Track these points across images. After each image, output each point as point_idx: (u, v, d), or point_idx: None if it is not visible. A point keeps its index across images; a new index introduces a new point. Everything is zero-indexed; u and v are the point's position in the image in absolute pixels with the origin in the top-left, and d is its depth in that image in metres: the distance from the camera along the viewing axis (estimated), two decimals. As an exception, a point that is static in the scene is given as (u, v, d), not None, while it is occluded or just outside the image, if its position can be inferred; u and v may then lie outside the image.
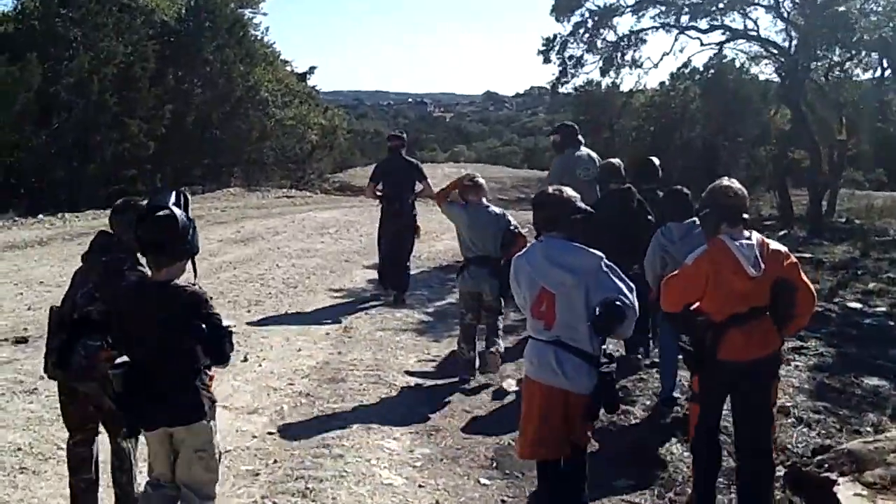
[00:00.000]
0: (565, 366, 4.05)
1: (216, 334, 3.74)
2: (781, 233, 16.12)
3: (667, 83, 36.71)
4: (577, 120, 39.02)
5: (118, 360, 3.76)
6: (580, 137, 9.04)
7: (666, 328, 6.27)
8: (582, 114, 38.07)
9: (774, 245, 4.36)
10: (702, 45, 18.06)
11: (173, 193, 3.86)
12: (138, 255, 4.17)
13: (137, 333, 3.76)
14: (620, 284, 4.02)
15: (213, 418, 3.90)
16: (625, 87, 33.51)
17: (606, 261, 4.08)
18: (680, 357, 5.81)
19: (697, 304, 4.41)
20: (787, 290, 4.31)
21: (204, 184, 23.08)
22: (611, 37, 17.48)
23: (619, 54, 17.47)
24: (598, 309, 3.97)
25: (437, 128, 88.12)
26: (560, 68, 17.40)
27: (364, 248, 14.02)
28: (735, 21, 17.61)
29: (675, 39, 17.80)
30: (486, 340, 7.14)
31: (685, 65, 33.75)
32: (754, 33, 17.74)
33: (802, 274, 4.41)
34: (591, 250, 4.11)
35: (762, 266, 4.22)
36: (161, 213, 3.74)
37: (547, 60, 17.37)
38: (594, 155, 8.90)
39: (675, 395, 6.47)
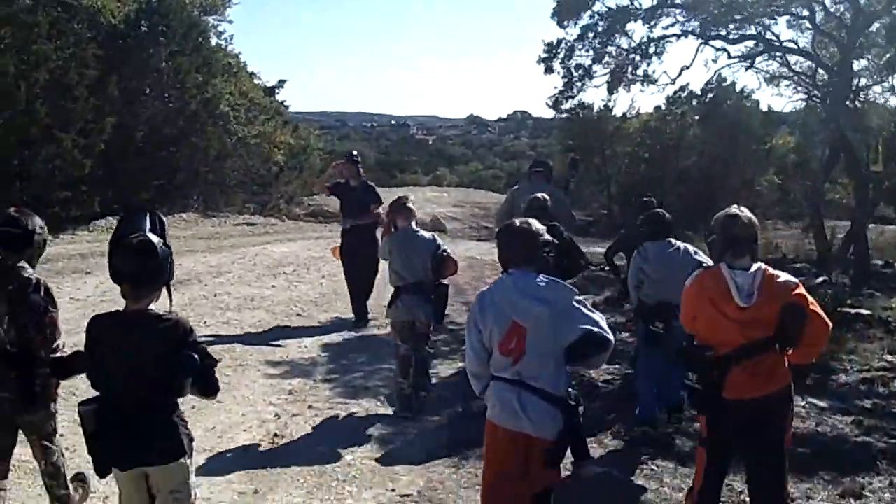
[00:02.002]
0: (528, 409, 3.85)
1: (206, 365, 3.58)
2: (820, 279, 13.73)
3: (662, 107, 35.45)
4: (565, 145, 37.74)
5: (88, 397, 3.61)
6: (545, 174, 9.23)
7: (646, 350, 6.69)
8: (571, 138, 36.50)
9: (783, 277, 4.23)
10: (729, 57, 15.41)
11: (147, 217, 3.72)
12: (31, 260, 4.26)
13: (117, 367, 3.53)
14: (595, 317, 3.92)
15: (190, 456, 3.69)
16: (633, 108, 31.86)
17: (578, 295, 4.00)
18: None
19: (697, 334, 4.33)
20: (797, 313, 4.11)
21: (153, 208, 20.23)
22: (625, 44, 14.80)
23: (629, 67, 14.81)
24: (573, 340, 3.83)
25: (419, 151, 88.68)
26: (565, 80, 14.68)
27: (323, 295, 11.47)
28: (767, 32, 15.11)
29: (698, 51, 15.18)
30: (415, 383, 6.95)
31: (682, 88, 31.91)
32: (792, 45, 15.19)
33: (814, 305, 4.21)
34: (564, 284, 4.05)
35: (755, 297, 4.11)
36: (138, 241, 3.55)
37: (549, 70, 14.58)
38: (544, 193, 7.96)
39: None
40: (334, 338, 9.44)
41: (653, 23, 14.73)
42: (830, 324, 4.26)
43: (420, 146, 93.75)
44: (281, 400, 7.14)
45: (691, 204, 28.12)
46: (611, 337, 3.89)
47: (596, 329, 3.84)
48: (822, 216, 17.03)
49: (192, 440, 3.71)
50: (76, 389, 4.00)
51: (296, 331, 9.59)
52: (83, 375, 3.77)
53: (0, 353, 4.11)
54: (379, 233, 9.54)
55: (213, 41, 23.55)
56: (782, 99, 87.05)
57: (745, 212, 4.33)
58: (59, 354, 4.17)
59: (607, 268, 10.04)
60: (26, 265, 4.23)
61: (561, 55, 14.34)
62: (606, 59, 14.70)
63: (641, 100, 72.28)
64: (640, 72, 15.06)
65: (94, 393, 3.62)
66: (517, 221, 4.20)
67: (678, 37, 14.67)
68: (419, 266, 6.91)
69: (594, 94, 70.70)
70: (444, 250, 7.04)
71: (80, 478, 4.73)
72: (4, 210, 4.40)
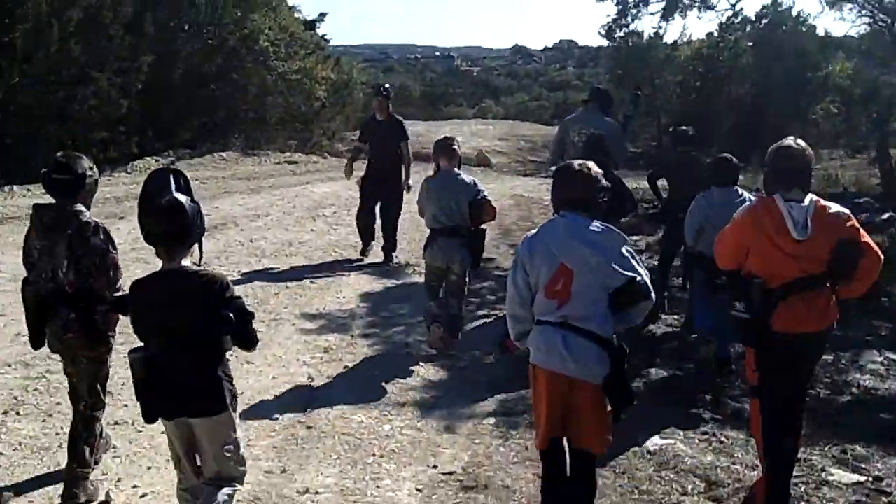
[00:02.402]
0: (574, 350, 3.76)
1: (243, 319, 3.64)
2: (885, 215, 12.93)
3: (715, 34, 34.26)
4: (614, 75, 36.78)
5: (138, 345, 3.68)
6: (602, 104, 8.57)
7: (707, 300, 6.55)
8: (620, 68, 35.52)
9: (835, 208, 4.15)
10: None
11: (171, 177, 3.77)
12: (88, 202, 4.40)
13: (160, 324, 3.63)
14: (641, 269, 3.86)
15: (234, 410, 3.78)
16: (684, 35, 30.92)
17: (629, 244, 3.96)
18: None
19: (750, 267, 4.21)
20: (850, 250, 4.05)
21: (194, 147, 19.88)
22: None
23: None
24: (618, 286, 3.78)
25: (464, 82, 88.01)
26: (619, 7, 13.75)
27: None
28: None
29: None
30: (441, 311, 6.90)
31: (735, 14, 30.61)
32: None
33: (867, 237, 4.17)
34: (616, 230, 3.96)
35: (810, 230, 4.02)
36: (167, 202, 3.62)
37: None
38: (593, 120, 8.15)
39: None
40: (375, 286, 9.00)
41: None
42: (882, 257, 4.22)
43: (465, 78, 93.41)
44: (316, 359, 6.70)
45: (744, 134, 27.18)
46: (653, 292, 3.89)
47: (640, 279, 3.81)
48: (888, 147, 16.09)
49: (235, 396, 3.78)
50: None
51: (334, 279, 9.13)
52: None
53: (59, 294, 4.24)
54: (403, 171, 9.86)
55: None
56: (844, 24, 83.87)
57: (799, 143, 4.28)
58: (120, 294, 4.24)
59: (656, 203, 9.84)
60: (83, 208, 4.34)
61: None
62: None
63: (693, 26, 70.40)
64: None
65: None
66: (576, 164, 4.09)
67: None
68: (456, 210, 6.74)
69: (647, 22, 68.49)
70: (484, 195, 6.85)
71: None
72: (47, 151, 4.61)
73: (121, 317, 4.29)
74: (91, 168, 4.41)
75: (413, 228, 10.81)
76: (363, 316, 7.95)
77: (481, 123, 32.26)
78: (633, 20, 13.96)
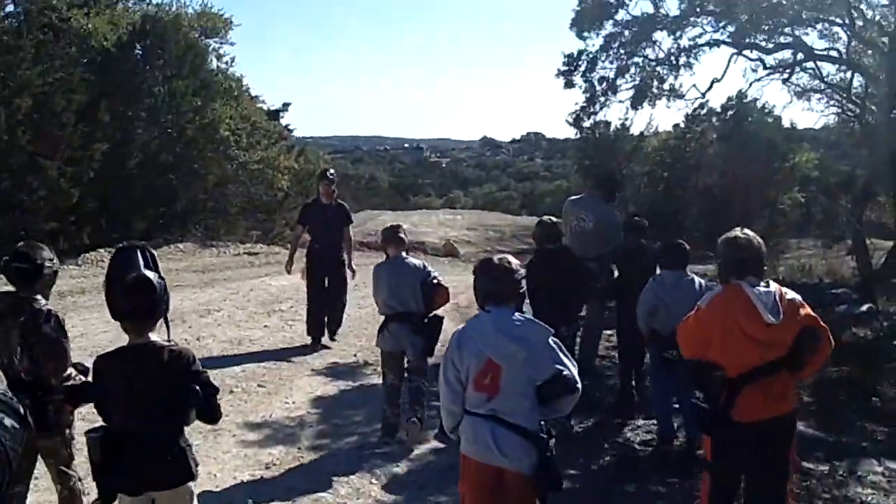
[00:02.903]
0: (501, 443, 3.84)
1: (207, 394, 3.70)
2: (865, 307, 12.40)
3: (682, 125, 34.54)
4: (581, 165, 36.75)
5: (96, 426, 3.70)
6: (606, 188, 8.84)
7: (659, 375, 6.73)
8: (587, 158, 35.59)
9: (790, 294, 4.23)
10: (765, 68, 14.08)
11: (139, 253, 4.09)
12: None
13: (126, 397, 3.65)
14: (567, 361, 3.92)
15: (196, 477, 3.83)
16: (650, 126, 31.24)
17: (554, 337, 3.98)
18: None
19: (711, 357, 4.23)
20: (814, 338, 4.14)
21: (150, 238, 19.09)
22: (651, 55, 13.44)
23: (655, 81, 13.49)
24: (545, 379, 3.85)
25: (433, 173, 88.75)
26: (587, 95, 13.35)
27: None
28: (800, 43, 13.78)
29: (730, 61, 13.85)
30: (409, 407, 6.73)
31: (701, 106, 30.73)
32: (835, 53, 13.86)
33: (818, 320, 4.23)
34: (541, 323, 4.01)
35: (781, 314, 4.08)
36: (135, 278, 3.76)
37: (570, 85, 13.28)
38: (592, 206, 8.41)
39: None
40: (328, 389, 8.21)
41: (678, 33, 13.53)
42: (833, 342, 4.28)
43: (433, 169, 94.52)
44: (256, 477, 5.88)
45: (712, 223, 27.02)
46: (579, 384, 3.91)
47: (566, 372, 3.85)
48: (864, 237, 15.71)
49: (197, 464, 3.82)
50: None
51: (285, 382, 8.33)
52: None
53: (15, 381, 4.14)
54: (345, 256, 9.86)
55: (214, 64, 22.48)
56: (811, 114, 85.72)
57: (747, 232, 4.39)
58: (70, 382, 4.24)
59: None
60: (39, 297, 4.37)
61: (582, 68, 13.03)
62: (632, 70, 13.40)
63: (660, 118, 71.74)
64: (666, 86, 13.77)
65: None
66: (496, 258, 4.17)
67: (710, 45, 13.37)
68: (408, 295, 6.63)
69: (616, 111, 69.58)
70: (435, 277, 6.75)
71: None
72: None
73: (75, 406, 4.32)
74: (51, 260, 4.45)
75: (374, 322, 10.16)
76: (313, 424, 7.16)
77: (449, 213, 31.85)
78: (601, 108, 13.52)
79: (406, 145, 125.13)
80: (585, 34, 13.04)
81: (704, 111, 32.68)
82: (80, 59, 18.32)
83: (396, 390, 6.80)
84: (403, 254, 6.89)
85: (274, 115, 25.19)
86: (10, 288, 4.43)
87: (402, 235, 6.94)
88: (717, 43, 13.30)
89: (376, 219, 25.97)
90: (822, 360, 4.35)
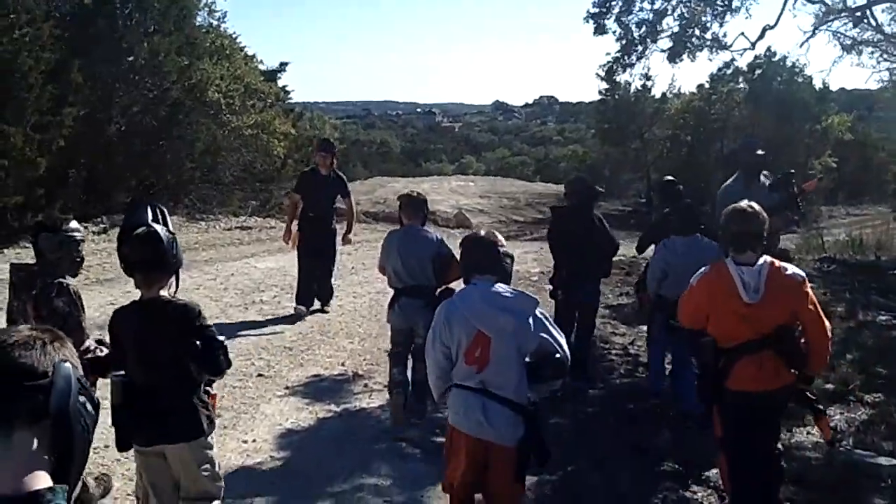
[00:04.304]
0: (491, 415, 3.87)
1: (210, 347, 3.72)
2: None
3: (706, 85, 32.86)
4: (600, 129, 35.07)
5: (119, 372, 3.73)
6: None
7: (660, 338, 6.94)
8: (607, 122, 34.05)
9: (791, 269, 4.26)
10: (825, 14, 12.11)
11: (149, 209, 3.95)
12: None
13: (138, 352, 3.73)
14: (555, 332, 3.93)
15: (210, 435, 3.88)
16: (672, 87, 29.71)
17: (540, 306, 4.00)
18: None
19: (712, 332, 4.34)
20: (788, 333, 4.21)
21: (153, 201, 17.28)
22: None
23: (695, 30, 11.53)
24: (537, 358, 3.90)
25: (445, 138, 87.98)
26: (622, 42, 11.36)
27: (303, 336, 8.73)
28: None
29: (784, 7, 11.86)
30: (415, 403, 6.42)
31: (727, 64, 28.69)
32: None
33: (814, 306, 4.22)
34: (527, 293, 4.07)
35: (762, 293, 4.14)
36: (143, 231, 3.78)
37: (601, 30, 11.27)
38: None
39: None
40: (302, 417, 6.47)
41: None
42: (830, 330, 4.29)
43: (446, 133, 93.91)
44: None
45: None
46: (567, 357, 3.92)
47: (559, 354, 3.88)
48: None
49: (212, 421, 3.88)
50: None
51: (247, 408, 6.58)
52: None
53: None
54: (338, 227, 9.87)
55: (203, 19, 20.58)
56: (861, 71, 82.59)
57: (753, 206, 4.37)
58: (90, 355, 4.10)
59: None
60: (55, 270, 4.32)
61: (616, 9, 10.99)
62: (674, 13, 11.38)
63: (682, 79, 69.95)
64: (709, 35, 11.80)
65: None
66: (482, 231, 4.36)
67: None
68: (418, 268, 6.40)
69: (656, 62, 66.95)
70: (449, 252, 6.38)
71: (103, 479, 4.84)
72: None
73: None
74: (73, 229, 4.40)
75: (369, 318, 8.69)
76: (275, 480, 5.39)
77: (462, 180, 30.06)
78: (637, 59, 11.58)
79: (418, 110, 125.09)
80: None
81: (730, 70, 30.92)
82: (49, 12, 16.42)
83: (403, 356, 6.55)
84: (419, 223, 6.65)
85: (271, 75, 23.29)
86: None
87: (423, 209, 6.72)
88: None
89: (386, 185, 24.32)
90: (822, 351, 4.34)
